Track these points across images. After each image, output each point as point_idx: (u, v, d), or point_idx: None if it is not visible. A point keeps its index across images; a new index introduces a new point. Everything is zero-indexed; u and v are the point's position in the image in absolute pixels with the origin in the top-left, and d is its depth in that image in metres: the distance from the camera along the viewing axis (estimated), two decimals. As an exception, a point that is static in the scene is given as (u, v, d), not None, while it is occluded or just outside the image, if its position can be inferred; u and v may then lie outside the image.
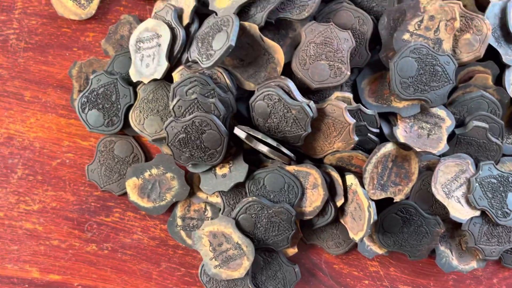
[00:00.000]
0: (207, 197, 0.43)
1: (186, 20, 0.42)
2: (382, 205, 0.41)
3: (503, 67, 0.42)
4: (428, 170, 0.42)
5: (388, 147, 0.40)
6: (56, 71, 0.46)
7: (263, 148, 0.39)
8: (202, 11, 0.43)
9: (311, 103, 0.39)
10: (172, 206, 0.44)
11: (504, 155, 0.43)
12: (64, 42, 0.46)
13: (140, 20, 0.45)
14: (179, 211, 0.44)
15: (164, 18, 0.42)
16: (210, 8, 0.41)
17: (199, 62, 0.39)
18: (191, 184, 0.44)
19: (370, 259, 0.44)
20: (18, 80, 0.46)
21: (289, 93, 0.39)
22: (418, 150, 0.39)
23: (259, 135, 0.39)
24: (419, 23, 0.40)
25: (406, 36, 0.40)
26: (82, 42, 0.46)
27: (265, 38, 0.39)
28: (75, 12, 0.45)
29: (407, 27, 0.40)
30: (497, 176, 0.41)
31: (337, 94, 0.40)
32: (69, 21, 0.46)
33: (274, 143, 0.39)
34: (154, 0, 0.45)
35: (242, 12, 0.40)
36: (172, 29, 0.41)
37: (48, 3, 0.46)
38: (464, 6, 0.43)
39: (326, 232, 0.43)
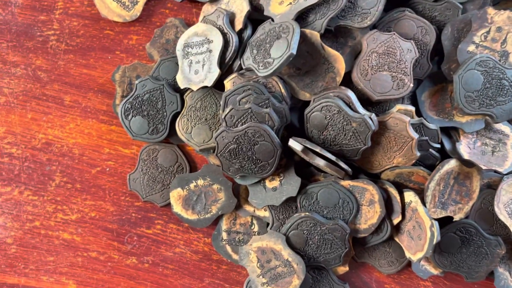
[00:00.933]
0: (254, 211, 0.42)
1: (238, 25, 0.40)
2: (440, 223, 0.40)
3: None
4: (489, 188, 0.40)
5: (452, 163, 0.38)
6: (97, 74, 0.44)
7: (320, 162, 0.37)
8: (254, 17, 0.41)
9: (373, 116, 0.37)
10: (216, 219, 0.42)
11: None
12: (106, 44, 0.44)
13: (187, 23, 0.43)
14: (224, 224, 0.42)
15: (215, 22, 0.40)
16: (265, 13, 0.39)
17: (255, 70, 0.37)
18: (238, 196, 0.42)
19: (424, 279, 0.42)
20: (58, 83, 0.44)
21: (349, 105, 0.37)
22: (484, 168, 0.37)
23: (317, 149, 0.37)
24: (485, 34, 0.38)
25: (471, 48, 0.38)
26: (125, 45, 0.44)
27: (326, 47, 0.37)
28: (119, 14, 0.43)
29: (473, 38, 0.38)
30: (560, 196, 0.39)
31: (399, 107, 0.38)
32: (112, 23, 0.44)
33: (332, 157, 0.37)
34: (201, 4, 0.43)
35: (300, 19, 0.38)
36: (224, 35, 0.40)
37: (90, 3, 0.44)
38: (530, 17, 0.41)
39: (378, 250, 0.41)
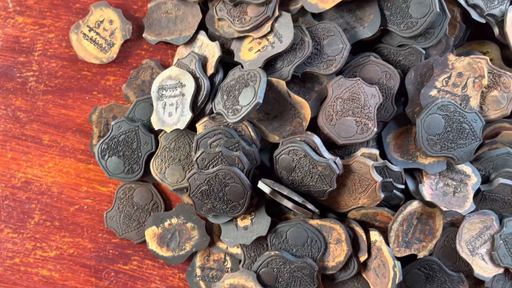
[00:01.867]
0: (227, 248, 0.43)
1: (210, 69, 0.41)
2: (405, 260, 0.41)
3: (529, 123, 0.42)
4: (452, 226, 0.41)
5: (414, 205, 0.40)
6: (75, 115, 0.45)
7: (288, 204, 0.39)
8: (226, 60, 0.42)
9: (338, 160, 0.38)
10: (191, 256, 0.43)
11: (528, 210, 0.43)
12: (84, 85, 0.45)
13: (162, 65, 0.45)
14: (198, 260, 0.43)
15: (188, 66, 0.42)
16: (235, 59, 0.41)
17: (224, 116, 0.39)
18: (211, 233, 0.43)
19: (391, 313, 0.43)
20: (37, 123, 0.45)
21: (315, 149, 0.39)
22: (444, 209, 0.39)
23: (285, 191, 0.39)
24: (446, 79, 0.40)
25: (434, 92, 0.40)
26: (102, 85, 0.45)
27: (292, 94, 0.39)
28: (96, 56, 0.45)
29: (435, 83, 0.40)
30: (521, 232, 0.41)
31: (363, 150, 0.39)
32: (90, 64, 0.45)
33: (300, 199, 0.39)
34: (176, 45, 0.45)
35: (268, 65, 0.40)
36: (196, 79, 0.41)
37: (68, 45, 0.45)
38: (491, 60, 0.43)
39: (347, 286, 0.43)
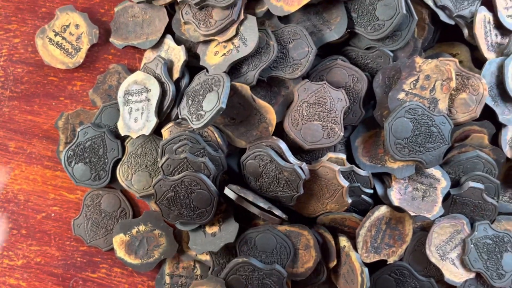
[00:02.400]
0: (196, 255, 0.42)
1: (176, 74, 0.41)
2: (376, 265, 0.41)
3: (499, 126, 0.41)
4: (422, 230, 0.41)
5: (382, 210, 0.39)
6: (42, 121, 0.44)
7: (254, 211, 0.38)
8: (192, 64, 0.42)
9: (304, 165, 0.38)
10: (160, 263, 0.43)
11: (500, 213, 0.42)
12: (50, 91, 0.45)
13: (129, 69, 0.44)
14: (167, 268, 0.43)
15: (153, 71, 0.41)
16: (201, 63, 0.40)
17: (189, 121, 0.38)
18: (180, 240, 0.43)
19: (363, 318, 0.43)
20: (3, 130, 0.44)
21: (281, 154, 0.38)
22: (412, 214, 0.38)
23: (250, 197, 0.38)
24: (414, 82, 0.39)
25: (401, 95, 0.39)
26: (69, 91, 0.45)
27: (256, 99, 0.38)
28: (63, 61, 0.44)
29: (402, 86, 0.39)
30: (492, 236, 0.40)
31: (330, 155, 0.39)
32: (56, 70, 0.45)
33: (265, 206, 0.38)
34: (143, 49, 0.44)
35: (234, 69, 0.39)
36: (161, 84, 0.40)
37: (34, 50, 0.45)
38: (460, 62, 0.42)
39: (318, 292, 0.42)
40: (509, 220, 0.43)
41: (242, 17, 0.38)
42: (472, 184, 0.40)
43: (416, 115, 0.38)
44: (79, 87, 0.45)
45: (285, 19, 0.40)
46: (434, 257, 0.40)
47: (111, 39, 0.44)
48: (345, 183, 0.38)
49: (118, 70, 0.44)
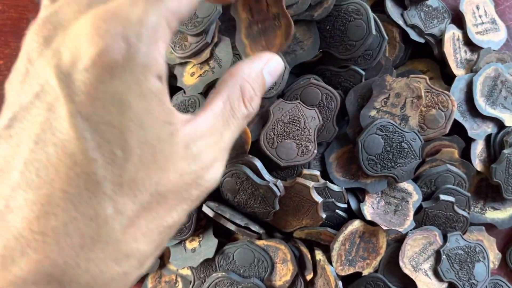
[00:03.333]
0: (177, 269, 0.43)
1: (155, 94, 0.42)
2: (353, 277, 0.42)
3: (469, 140, 0.42)
4: (396, 242, 0.42)
5: (355, 224, 0.40)
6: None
7: (231, 227, 0.39)
8: (171, 84, 0.43)
9: (279, 182, 0.39)
10: (142, 278, 0.44)
11: (472, 224, 0.44)
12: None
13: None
14: (149, 282, 0.44)
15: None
16: (178, 84, 0.41)
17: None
18: (162, 255, 0.44)
19: (341, 328, 0.44)
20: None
21: (257, 172, 0.39)
22: (385, 228, 0.39)
23: (227, 215, 0.39)
24: (385, 100, 0.40)
25: (373, 113, 0.40)
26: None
27: (232, 118, 0.39)
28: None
29: (374, 104, 0.40)
30: (464, 247, 0.42)
31: (304, 172, 0.40)
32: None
33: (242, 223, 0.39)
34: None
35: (211, 89, 0.41)
36: (141, 104, 0.41)
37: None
38: (431, 78, 0.44)
39: (296, 303, 0.43)
40: (481, 231, 0.44)
41: (216, 39, 0.40)
42: (443, 197, 0.41)
43: (388, 132, 0.40)
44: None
45: (260, 39, 0.42)
46: (407, 269, 0.41)
47: (92, 60, 0.45)
48: (318, 199, 0.39)
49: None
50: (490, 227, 0.44)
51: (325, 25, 0.41)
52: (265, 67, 0.28)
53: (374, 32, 0.39)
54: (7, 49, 0.46)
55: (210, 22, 0.39)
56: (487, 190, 0.44)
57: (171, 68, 0.43)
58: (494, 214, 0.44)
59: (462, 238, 0.42)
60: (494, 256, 0.44)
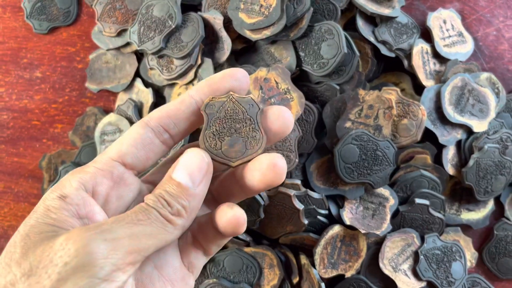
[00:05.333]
0: (172, 278, 0.46)
1: (145, 114, 0.45)
2: (336, 279, 0.44)
3: (440, 146, 0.45)
4: (376, 245, 0.45)
5: (335, 229, 0.43)
6: (27, 162, 0.49)
7: (220, 235, 0.42)
8: (161, 104, 0.46)
9: (262, 192, 0.42)
10: (140, 287, 0.46)
11: (448, 225, 0.46)
12: (34, 134, 0.49)
13: (105, 110, 0.48)
14: (146, 291, 0.47)
15: (126, 112, 0.45)
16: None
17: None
18: (157, 265, 0.46)
19: (328, 329, 0.47)
20: (-8, 172, 0.49)
21: (241, 184, 0.42)
22: (363, 231, 0.42)
23: (215, 224, 0.42)
24: (359, 111, 0.43)
25: (348, 124, 0.43)
26: (51, 133, 0.49)
27: (217, 134, 0.42)
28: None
29: (349, 116, 0.43)
30: (441, 247, 0.44)
31: (286, 181, 0.43)
32: (39, 114, 0.49)
33: (229, 231, 0.42)
34: (116, 92, 0.48)
35: (196, 108, 0.44)
36: (132, 124, 0.45)
37: (18, 98, 0.49)
38: (403, 90, 0.47)
39: (285, 306, 0.46)
40: (457, 231, 0.46)
41: (199, 61, 0.43)
42: (418, 200, 0.44)
43: (362, 141, 0.43)
44: (60, 129, 0.49)
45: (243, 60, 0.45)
46: (387, 269, 0.43)
47: (87, 84, 0.48)
48: (300, 206, 0.42)
49: (94, 112, 0.48)
50: (466, 228, 0.47)
51: (300, 45, 0.44)
52: (173, 170, 0.28)
53: (345, 50, 0.42)
54: (8, 77, 0.49)
55: (194, 46, 0.43)
56: (461, 193, 0.47)
57: (160, 90, 0.47)
58: (469, 215, 0.47)
59: (439, 238, 0.44)
60: (471, 255, 0.47)
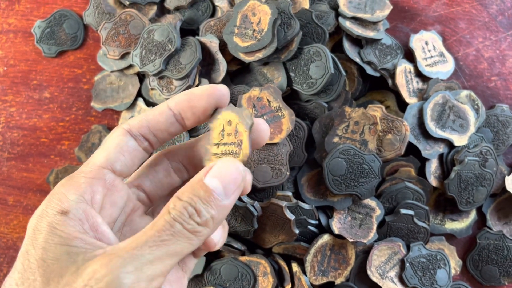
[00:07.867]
0: (172, 286, 0.49)
1: (147, 131, 0.48)
2: (326, 286, 0.47)
3: (423, 159, 0.48)
4: (364, 253, 0.47)
5: (325, 238, 0.46)
6: (35, 177, 0.52)
7: (216, 245, 0.45)
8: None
9: (256, 204, 0.45)
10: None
11: (433, 234, 0.49)
12: (42, 150, 0.52)
13: (109, 128, 0.52)
14: (147, 299, 0.49)
15: (128, 130, 0.49)
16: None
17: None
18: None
19: (320, 335, 0.49)
20: (2, 186, 0.51)
21: (236, 195, 0.45)
22: (351, 240, 0.45)
23: (212, 234, 0.45)
24: (346, 127, 0.46)
25: (336, 139, 0.46)
26: (58, 150, 0.52)
27: (213, 149, 0.45)
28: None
29: (336, 131, 0.46)
30: (426, 255, 0.47)
31: (278, 193, 0.46)
32: (47, 132, 0.52)
33: (226, 241, 0.45)
34: (120, 111, 0.52)
35: (194, 129, 0.47)
36: (135, 140, 0.48)
37: (28, 117, 0.52)
38: (388, 107, 0.50)
39: (279, 313, 0.48)
40: (442, 240, 0.49)
41: (197, 82, 0.46)
42: (403, 211, 0.47)
43: (349, 155, 0.45)
44: (66, 146, 0.52)
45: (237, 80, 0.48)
46: (375, 277, 0.46)
47: (92, 104, 0.52)
48: (291, 217, 0.45)
49: (99, 129, 0.51)
50: (450, 237, 0.49)
51: (291, 66, 0.47)
52: (205, 176, 0.26)
53: (332, 71, 0.46)
54: (19, 97, 0.53)
55: (192, 68, 0.46)
56: (445, 204, 0.49)
57: (160, 108, 0.50)
58: (453, 225, 0.49)
59: (424, 247, 0.47)
60: (455, 263, 0.49)
